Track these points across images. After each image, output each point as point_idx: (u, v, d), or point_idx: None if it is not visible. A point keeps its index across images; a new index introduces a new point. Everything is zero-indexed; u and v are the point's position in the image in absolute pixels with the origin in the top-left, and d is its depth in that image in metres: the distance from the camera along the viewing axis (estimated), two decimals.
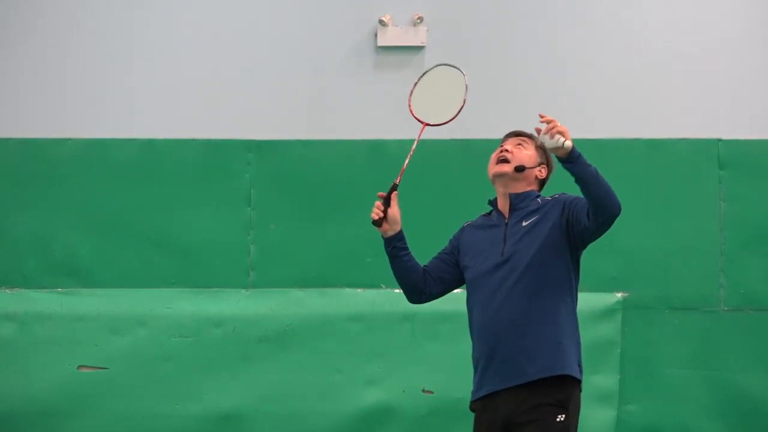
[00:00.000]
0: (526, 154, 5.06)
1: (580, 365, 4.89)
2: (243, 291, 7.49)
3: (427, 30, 7.61)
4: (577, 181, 4.72)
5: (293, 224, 7.53)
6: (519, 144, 5.09)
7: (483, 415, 4.98)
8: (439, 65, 5.37)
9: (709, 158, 7.52)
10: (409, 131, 7.48)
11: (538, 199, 5.02)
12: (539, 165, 5.09)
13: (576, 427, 4.84)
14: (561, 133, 4.68)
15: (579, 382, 4.87)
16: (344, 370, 7.38)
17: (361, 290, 7.47)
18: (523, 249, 4.89)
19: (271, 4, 7.69)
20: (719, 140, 7.52)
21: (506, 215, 5.03)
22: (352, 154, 7.55)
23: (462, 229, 5.19)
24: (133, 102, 7.61)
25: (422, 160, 7.41)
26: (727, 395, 7.37)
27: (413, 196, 7.41)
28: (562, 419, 4.78)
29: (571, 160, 4.69)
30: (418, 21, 7.57)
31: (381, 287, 7.45)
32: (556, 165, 5.09)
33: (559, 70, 7.64)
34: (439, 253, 5.21)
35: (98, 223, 7.51)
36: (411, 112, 5.33)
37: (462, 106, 5.19)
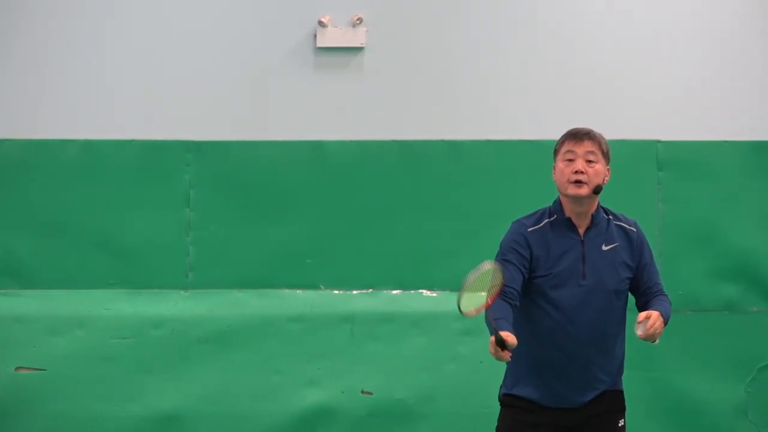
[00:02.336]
0: (598, 170, 5.04)
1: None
2: (182, 292, 7.48)
3: (367, 31, 7.61)
4: None
5: (232, 225, 7.52)
6: (589, 160, 5.05)
7: (544, 419, 5.00)
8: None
9: (647, 159, 7.55)
10: (349, 132, 7.57)
11: (610, 216, 5.07)
12: (607, 172, 5.13)
13: None
14: (659, 335, 4.86)
15: None
16: (284, 371, 7.39)
17: (301, 291, 7.48)
18: (607, 275, 4.96)
19: (210, 6, 7.67)
20: (658, 141, 7.55)
21: (581, 231, 5.00)
22: (291, 155, 7.54)
23: (524, 235, 5.04)
24: (71, 103, 7.58)
25: (363, 159, 7.50)
26: (665, 396, 7.41)
27: (355, 195, 7.50)
28: (622, 424, 5.11)
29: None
30: (358, 22, 7.57)
31: (320, 288, 7.46)
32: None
33: (497, 71, 7.64)
34: (516, 266, 4.98)
35: (37, 224, 7.48)
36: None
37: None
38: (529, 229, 5.04)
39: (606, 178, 5.09)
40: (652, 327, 4.76)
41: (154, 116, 7.58)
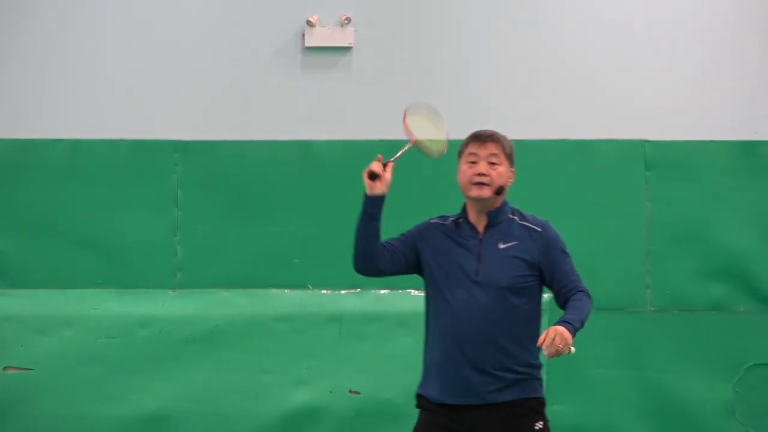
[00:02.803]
0: (500, 172, 5.06)
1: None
2: (170, 292, 7.48)
3: (355, 31, 7.61)
4: None
5: (220, 225, 7.52)
6: (492, 162, 5.07)
7: (439, 419, 5.00)
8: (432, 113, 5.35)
9: (635, 159, 7.55)
10: (337, 132, 7.57)
11: (515, 216, 5.07)
12: (510, 172, 5.13)
13: None
14: (567, 346, 4.76)
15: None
16: (271, 371, 7.39)
17: (288, 291, 7.48)
18: (500, 273, 4.95)
19: (198, 5, 7.67)
20: (645, 141, 7.55)
21: (480, 231, 5.03)
22: (279, 155, 7.54)
23: (428, 226, 5.14)
24: (59, 102, 7.57)
25: (351, 159, 7.45)
26: (653, 395, 7.42)
27: (343, 194, 7.48)
28: (541, 426, 4.96)
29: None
30: (346, 22, 7.57)
31: (308, 288, 7.46)
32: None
33: (486, 70, 7.65)
34: (400, 237, 5.16)
35: (25, 224, 7.48)
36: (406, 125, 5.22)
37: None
38: (433, 221, 5.15)
39: (510, 180, 5.10)
40: (548, 347, 4.71)
41: (142, 116, 7.58)
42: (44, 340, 7.38)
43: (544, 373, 7.24)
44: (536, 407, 5.02)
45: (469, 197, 5.06)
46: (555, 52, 7.65)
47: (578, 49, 7.65)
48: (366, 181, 4.98)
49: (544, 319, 7.28)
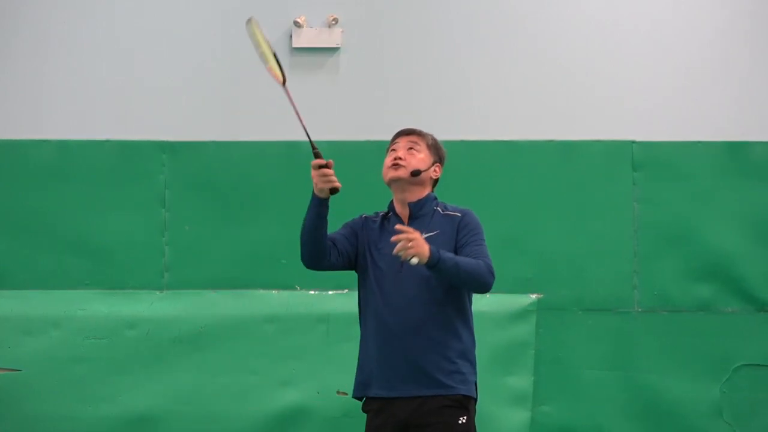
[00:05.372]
0: (419, 159, 5.11)
1: (476, 383, 5.14)
2: (157, 293, 7.47)
3: (343, 31, 7.61)
4: (443, 279, 4.88)
5: (208, 226, 7.51)
6: (411, 148, 5.13)
7: (381, 417, 5.03)
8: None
9: (622, 160, 7.55)
10: (324, 133, 7.54)
11: (438, 208, 5.10)
12: (433, 165, 5.15)
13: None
14: (414, 255, 4.75)
15: (475, 400, 5.15)
16: (259, 372, 7.37)
17: (276, 292, 7.47)
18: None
19: (185, 5, 7.67)
20: (633, 142, 7.56)
21: (405, 221, 5.08)
22: (266, 156, 7.54)
23: (362, 221, 5.24)
24: (45, 102, 7.57)
25: (338, 160, 7.40)
26: (640, 396, 7.41)
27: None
28: (464, 421, 5.01)
29: (431, 266, 4.80)
30: (333, 22, 7.57)
31: (296, 288, 7.46)
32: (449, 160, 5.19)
33: (473, 71, 7.66)
34: (341, 231, 5.28)
35: (11, 225, 7.47)
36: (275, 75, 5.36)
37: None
38: (365, 216, 5.28)
39: (434, 173, 5.13)
40: (403, 241, 4.73)
41: (128, 117, 7.57)
42: (31, 341, 7.36)
43: (532, 375, 7.28)
44: (463, 401, 5.01)
45: (387, 183, 5.19)
46: (542, 53, 7.66)
47: (566, 51, 7.66)
48: (322, 189, 5.11)
49: (532, 320, 7.39)
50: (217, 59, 7.61)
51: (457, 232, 5.04)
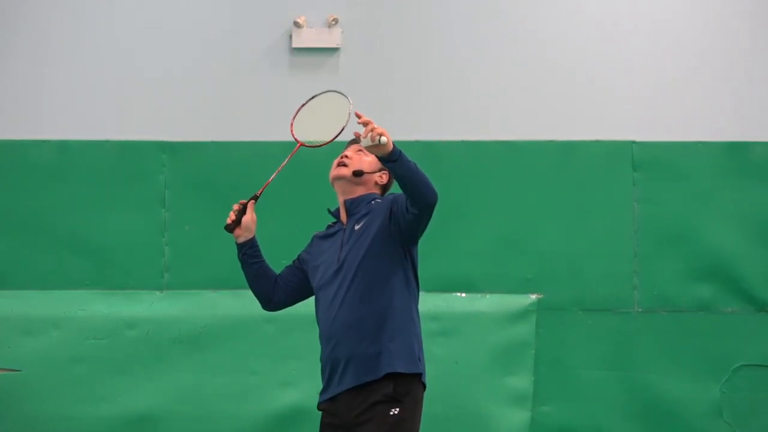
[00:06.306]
0: (366, 160, 5.12)
1: (418, 358, 4.93)
2: (157, 293, 7.47)
3: (342, 32, 7.61)
4: (397, 178, 4.76)
5: (208, 226, 7.50)
6: (360, 150, 5.13)
7: (328, 418, 5.07)
8: (328, 91, 5.40)
9: (622, 160, 7.55)
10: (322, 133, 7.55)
11: (373, 202, 5.08)
12: (380, 170, 5.14)
13: (417, 418, 4.91)
14: (380, 134, 4.67)
15: (417, 375, 4.92)
16: (259, 372, 7.38)
17: None
18: (354, 252, 4.97)
19: (185, 5, 7.67)
20: (633, 142, 7.56)
21: (345, 222, 5.08)
22: (266, 156, 7.48)
23: (311, 240, 5.26)
24: (46, 103, 7.57)
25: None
26: (640, 396, 7.42)
27: (329, 195, 7.47)
28: (396, 412, 4.85)
29: (392, 159, 4.71)
30: (333, 23, 7.57)
31: None
32: None
33: (473, 71, 7.66)
34: (291, 264, 5.32)
35: (12, 225, 7.47)
36: (291, 131, 5.32)
37: (339, 132, 5.11)
38: (315, 234, 5.26)
39: (380, 179, 5.12)
40: (367, 126, 4.67)
41: (129, 117, 7.58)
42: (31, 341, 7.36)
43: (532, 375, 7.28)
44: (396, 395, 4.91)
45: (332, 181, 5.15)
46: (542, 53, 7.66)
47: (565, 51, 7.66)
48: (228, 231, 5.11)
49: (532, 320, 7.38)
50: (218, 60, 7.61)
51: (386, 207, 4.99)
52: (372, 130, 4.67)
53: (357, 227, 5.01)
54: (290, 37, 7.61)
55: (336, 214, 5.17)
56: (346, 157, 5.11)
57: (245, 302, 7.40)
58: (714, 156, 7.54)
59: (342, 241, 5.03)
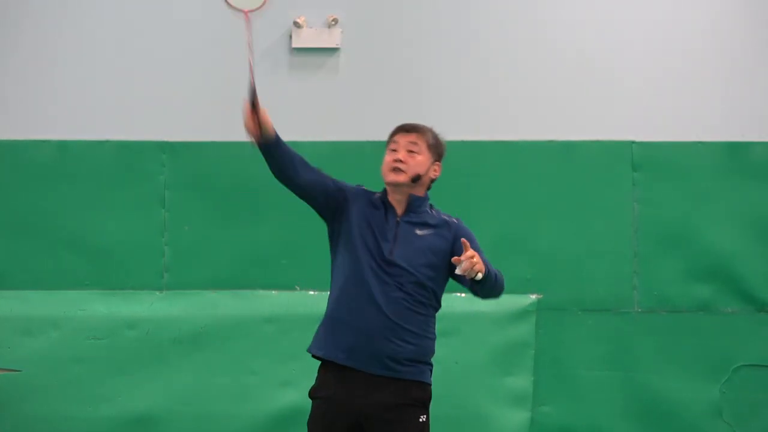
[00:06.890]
0: (419, 161, 5.11)
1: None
2: (157, 293, 7.47)
3: (342, 32, 7.61)
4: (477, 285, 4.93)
5: (208, 226, 7.51)
6: (411, 150, 5.11)
7: (337, 387, 5.09)
8: None
9: (622, 160, 7.56)
10: (324, 133, 7.56)
11: (433, 210, 5.12)
12: (432, 165, 5.15)
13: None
14: (480, 271, 4.81)
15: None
16: (259, 372, 7.38)
17: (276, 292, 7.47)
18: (413, 259, 5.01)
19: (184, 5, 7.66)
20: (633, 142, 7.56)
21: (398, 212, 5.08)
22: None
23: (360, 190, 5.20)
24: (46, 103, 7.56)
25: (338, 160, 7.43)
26: (640, 396, 7.42)
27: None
28: (424, 419, 5.02)
29: (482, 281, 4.88)
30: (333, 23, 7.57)
31: (295, 289, 7.46)
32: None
33: (474, 71, 7.65)
34: (333, 178, 5.23)
35: (11, 225, 7.47)
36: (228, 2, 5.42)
37: None
38: (363, 188, 5.21)
39: (433, 173, 5.15)
40: (468, 261, 4.75)
41: (128, 117, 7.57)
42: (31, 342, 7.37)
43: (531, 375, 7.30)
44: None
45: (386, 183, 5.13)
46: (543, 53, 7.66)
47: (566, 51, 7.65)
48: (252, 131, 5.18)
49: (532, 320, 7.39)
50: (217, 60, 7.60)
51: (454, 239, 5.05)
52: (473, 267, 4.77)
53: (418, 232, 5.07)
54: (290, 37, 7.61)
55: (384, 195, 5.15)
56: (401, 161, 5.08)
57: (245, 302, 7.45)
58: (714, 156, 7.54)
59: (396, 233, 5.05)
